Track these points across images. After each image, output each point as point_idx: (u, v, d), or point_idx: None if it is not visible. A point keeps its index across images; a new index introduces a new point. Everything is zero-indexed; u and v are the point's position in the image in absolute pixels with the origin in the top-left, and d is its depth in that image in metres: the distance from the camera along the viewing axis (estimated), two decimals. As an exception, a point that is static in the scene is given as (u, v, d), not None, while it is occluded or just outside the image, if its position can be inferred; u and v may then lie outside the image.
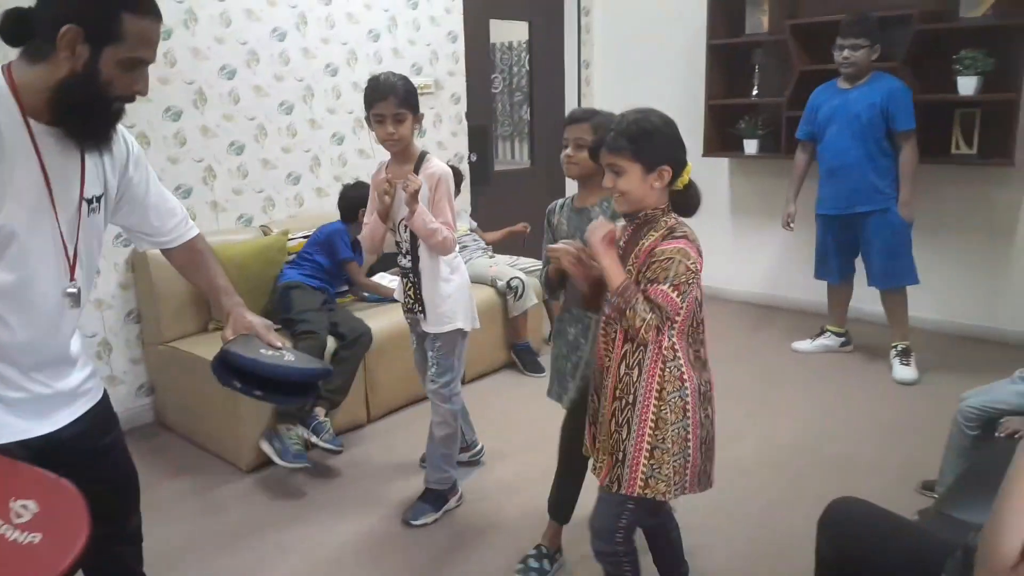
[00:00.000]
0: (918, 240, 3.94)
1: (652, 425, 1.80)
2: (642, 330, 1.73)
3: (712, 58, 4.90)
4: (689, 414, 1.83)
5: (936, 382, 3.85)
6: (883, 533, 1.66)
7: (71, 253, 1.53)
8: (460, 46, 4.87)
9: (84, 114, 1.42)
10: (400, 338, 3.50)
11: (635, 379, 1.82)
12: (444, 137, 4.87)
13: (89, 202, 1.54)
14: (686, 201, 1.87)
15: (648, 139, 1.77)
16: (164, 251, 1.83)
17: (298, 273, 3.53)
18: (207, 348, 3.17)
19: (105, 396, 1.74)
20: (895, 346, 4.05)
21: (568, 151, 2.24)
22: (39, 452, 1.50)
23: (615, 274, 1.77)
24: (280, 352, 1.71)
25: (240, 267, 3.39)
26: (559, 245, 1.95)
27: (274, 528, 2.75)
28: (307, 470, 3.11)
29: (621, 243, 1.88)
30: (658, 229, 1.80)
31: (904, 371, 3.95)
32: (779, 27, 4.65)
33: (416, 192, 2.47)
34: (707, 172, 5.25)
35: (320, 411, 3.19)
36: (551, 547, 2.46)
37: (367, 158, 4.41)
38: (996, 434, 2.35)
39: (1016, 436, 2.28)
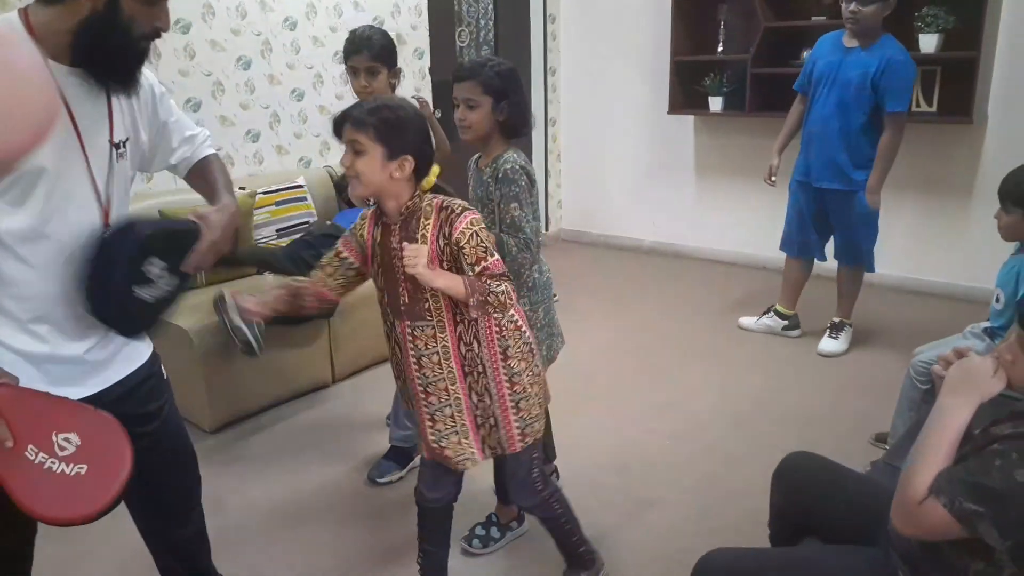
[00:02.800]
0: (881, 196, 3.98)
1: (508, 384, 1.85)
2: (507, 301, 1.76)
3: (677, 13, 4.85)
4: (534, 351, 1.90)
5: (893, 338, 3.94)
6: (832, 484, 1.73)
7: (104, 199, 1.49)
8: (423, -1, 4.77)
9: (108, 54, 1.38)
10: (366, 297, 3.48)
11: (477, 351, 1.82)
12: (407, 92, 4.78)
13: (117, 147, 1.50)
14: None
15: (397, 124, 1.69)
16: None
17: None
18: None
19: (154, 358, 1.70)
20: (833, 319, 3.90)
21: (458, 113, 2.09)
22: None
23: (456, 284, 1.72)
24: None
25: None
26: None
27: (238, 485, 2.76)
28: (269, 429, 3.12)
29: (395, 243, 1.78)
30: (428, 214, 1.74)
31: (830, 343, 3.82)
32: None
33: None
34: (672, 130, 5.27)
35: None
36: (504, 518, 2.45)
37: (327, 114, 4.32)
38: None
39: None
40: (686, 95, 5.05)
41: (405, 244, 1.74)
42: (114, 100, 1.49)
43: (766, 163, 3.96)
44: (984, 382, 1.38)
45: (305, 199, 3.85)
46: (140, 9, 1.36)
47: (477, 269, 1.73)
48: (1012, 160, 3.53)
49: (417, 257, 1.70)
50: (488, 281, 1.73)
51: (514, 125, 2.11)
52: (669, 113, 5.05)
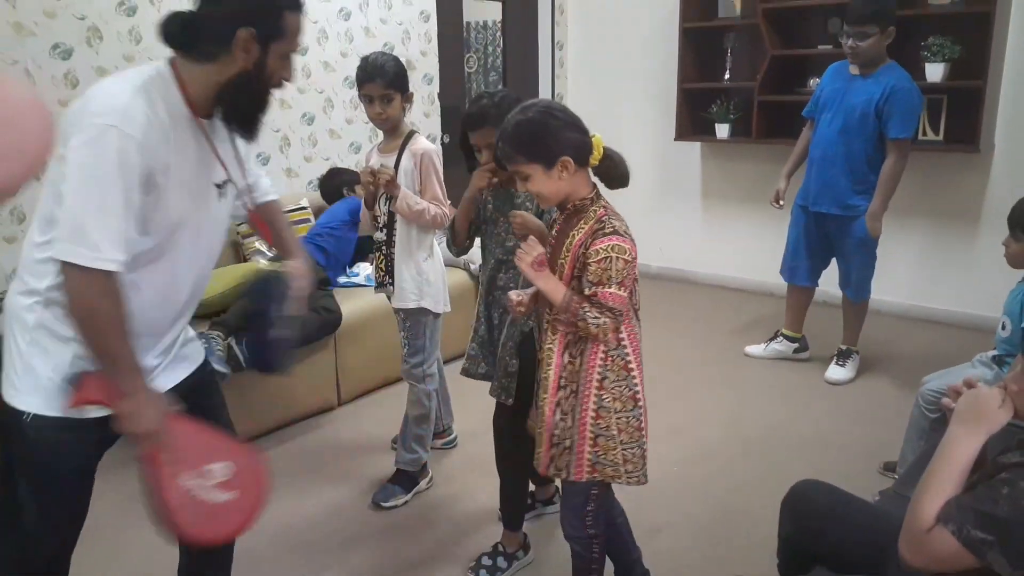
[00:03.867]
0: (887, 224, 3.96)
1: (593, 413, 1.81)
2: (600, 334, 1.74)
3: (685, 41, 4.90)
4: (641, 403, 1.83)
5: (901, 366, 3.93)
6: (841, 513, 1.71)
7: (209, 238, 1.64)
8: (432, 25, 4.83)
9: (252, 106, 1.53)
10: (371, 320, 3.50)
11: (577, 368, 1.81)
12: (416, 118, 4.84)
13: (220, 187, 1.62)
14: (608, 174, 1.82)
15: (533, 139, 1.72)
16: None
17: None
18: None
19: (206, 361, 1.83)
20: (840, 347, 3.87)
21: (483, 158, 2.16)
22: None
23: (554, 292, 1.75)
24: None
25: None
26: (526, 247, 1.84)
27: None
28: (276, 449, 3.11)
29: (553, 233, 1.86)
30: (588, 220, 1.76)
31: (836, 371, 3.79)
32: (752, 11, 4.67)
33: (390, 183, 2.50)
34: (679, 156, 5.29)
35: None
36: (510, 547, 2.41)
37: (337, 138, 4.37)
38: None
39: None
40: (693, 122, 5.08)
41: (529, 239, 1.81)
42: (220, 145, 1.61)
43: (772, 189, 3.98)
44: (992, 413, 1.37)
45: (308, 220, 3.90)
46: (279, 64, 1.50)
47: (591, 291, 1.72)
48: (1018, 188, 3.56)
49: (528, 253, 1.77)
50: (588, 307, 1.72)
51: None
52: (676, 139, 5.08)
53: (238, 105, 1.51)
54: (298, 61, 4.05)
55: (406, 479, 2.80)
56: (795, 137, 4.61)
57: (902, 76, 3.48)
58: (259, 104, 1.55)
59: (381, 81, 2.54)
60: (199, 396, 1.75)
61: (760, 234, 5.06)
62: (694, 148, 5.28)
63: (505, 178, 2.13)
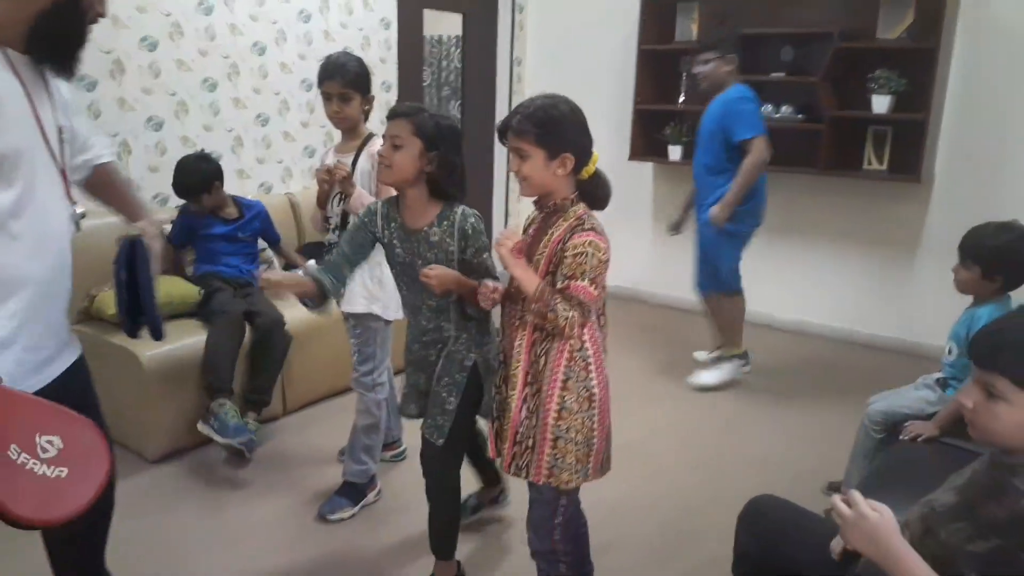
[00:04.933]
0: (832, 250, 4.08)
1: (555, 415, 1.82)
2: (566, 328, 1.75)
3: (642, 63, 4.97)
4: (596, 404, 1.84)
5: (845, 389, 4.01)
6: (798, 527, 1.73)
7: (64, 179, 1.55)
8: (393, 33, 4.79)
9: (63, 42, 1.46)
10: (318, 328, 3.42)
11: (542, 367, 1.83)
12: (373, 126, 4.76)
13: (61, 131, 1.56)
14: (594, 192, 1.87)
15: (553, 125, 1.77)
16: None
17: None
18: (100, 328, 3.07)
19: (82, 355, 1.73)
20: (712, 352, 4.10)
21: (381, 149, 2.04)
22: None
23: (528, 281, 1.77)
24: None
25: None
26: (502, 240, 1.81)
27: (182, 520, 2.64)
28: (216, 462, 3.01)
29: (530, 231, 1.89)
30: (567, 219, 1.80)
31: (704, 375, 3.97)
32: (708, 35, 4.74)
33: (346, 178, 2.43)
34: (632, 176, 5.34)
35: (251, 416, 3.13)
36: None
37: (291, 140, 4.29)
38: (900, 437, 2.46)
39: (919, 439, 2.39)
40: (647, 143, 5.14)
41: (509, 227, 1.78)
42: (53, 88, 1.55)
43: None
44: (878, 536, 1.27)
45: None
46: (92, 0, 1.45)
47: (563, 284, 1.74)
48: (956, 217, 3.68)
49: (508, 239, 1.78)
50: (559, 299, 1.73)
51: (439, 181, 2.02)
52: (630, 159, 5.13)
53: (52, 39, 1.44)
54: (256, 61, 4.00)
55: (353, 491, 2.73)
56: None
57: (737, 88, 3.75)
58: (75, 39, 1.48)
59: (341, 80, 2.51)
60: (78, 390, 1.69)
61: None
62: (647, 168, 5.34)
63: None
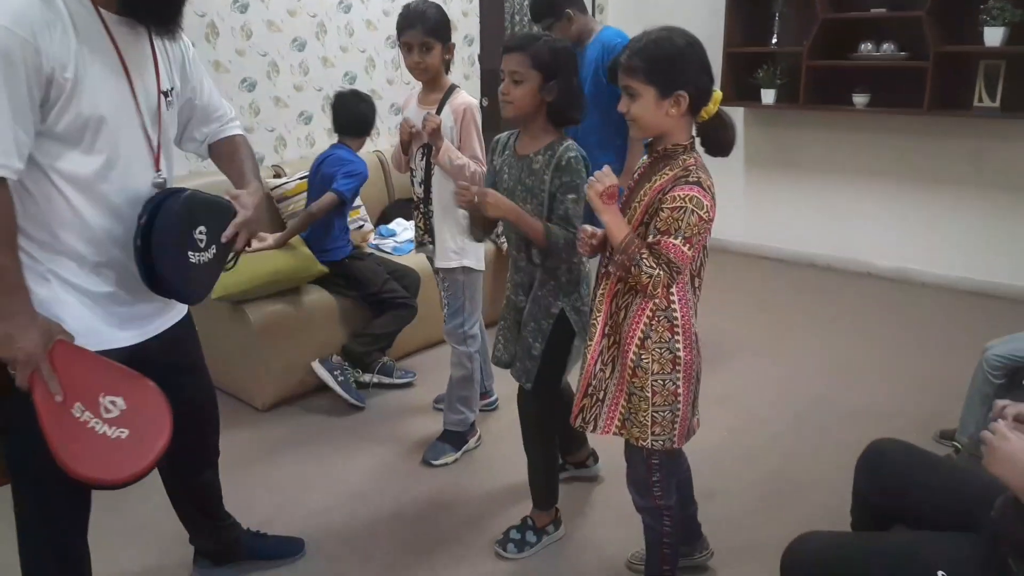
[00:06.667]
0: (937, 194, 3.84)
1: (631, 371, 1.74)
2: (649, 286, 1.64)
3: (731, 4, 4.78)
4: (680, 367, 1.73)
5: (953, 337, 3.84)
6: (922, 470, 1.65)
7: (155, 144, 1.56)
8: (474, -16, 4.74)
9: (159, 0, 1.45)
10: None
11: (621, 320, 1.74)
12: (456, 80, 4.74)
13: (165, 95, 1.57)
14: (716, 136, 1.72)
15: (666, 61, 1.62)
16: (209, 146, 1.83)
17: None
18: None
19: (189, 315, 1.77)
20: None
21: (502, 87, 2.00)
22: (125, 362, 1.54)
23: (617, 229, 1.66)
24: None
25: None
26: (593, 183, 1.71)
27: (292, 466, 2.75)
28: (321, 412, 3.11)
29: (635, 176, 1.78)
30: (674, 168, 1.66)
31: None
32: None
33: (435, 130, 2.42)
34: (722, 122, 5.17)
35: (377, 355, 3.28)
36: (540, 522, 2.31)
37: (378, 98, 4.31)
38: (1024, 382, 2.35)
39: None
40: (738, 87, 4.97)
41: (605, 168, 1.69)
42: (158, 49, 1.55)
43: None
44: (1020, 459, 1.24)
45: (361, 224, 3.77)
46: None
47: (653, 238, 1.63)
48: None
49: (600, 181, 1.66)
50: (647, 254, 1.62)
51: (562, 109, 2.00)
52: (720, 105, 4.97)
53: None
54: (342, 18, 4.02)
55: (455, 438, 2.78)
56: (845, 104, 4.52)
57: (609, 32, 3.17)
58: None
59: (421, 28, 2.45)
60: (182, 351, 1.73)
61: (803, 203, 4.98)
62: (737, 114, 5.16)
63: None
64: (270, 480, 2.66)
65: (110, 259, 1.52)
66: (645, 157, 1.80)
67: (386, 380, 3.30)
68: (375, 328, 3.20)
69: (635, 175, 1.80)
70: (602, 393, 1.80)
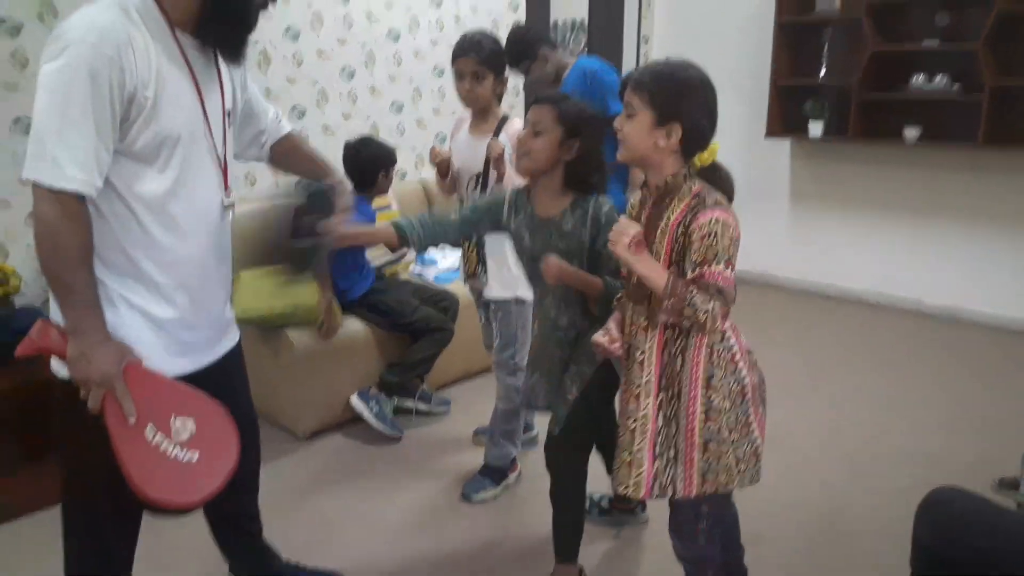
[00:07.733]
0: (991, 232, 3.74)
1: (702, 417, 1.64)
2: (708, 322, 1.55)
3: (780, 36, 4.74)
4: (748, 397, 1.66)
5: (1009, 379, 3.71)
6: (988, 521, 1.58)
7: (221, 162, 1.58)
8: (522, 15, 4.78)
9: (231, 24, 1.47)
10: (468, 310, 3.43)
11: (678, 368, 1.65)
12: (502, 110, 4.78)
13: (229, 115, 1.59)
14: (714, 185, 1.64)
15: (673, 89, 1.57)
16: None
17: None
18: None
19: (239, 343, 1.79)
20: None
21: (521, 135, 1.98)
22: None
23: (656, 277, 1.57)
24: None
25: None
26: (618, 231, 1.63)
27: (332, 497, 2.72)
28: (361, 441, 3.09)
29: (642, 219, 1.68)
30: (683, 198, 1.60)
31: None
32: (853, 5, 4.47)
33: (499, 157, 2.42)
34: (767, 154, 5.13)
35: (417, 382, 3.27)
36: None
37: (423, 128, 4.35)
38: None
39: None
40: (784, 119, 4.92)
41: (622, 219, 1.64)
42: (223, 70, 1.57)
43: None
44: None
45: (390, 207, 3.82)
46: None
47: (695, 272, 1.55)
48: None
49: (622, 234, 1.59)
50: (696, 291, 1.54)
51: (580, 172, 1.95)
52: (767, 137, 4.92)
53: (221, 21, 1.45)
54: (390, 48, 4.07)
55: (496, 472, 2.74)
56: (895, 137, 4.44)
57: (585, 59, 3.29)
58: (244, 23, 1.48)
59: (476, 56, 2.46)
60: (234, 373, 1.75)
61: (850, 238, 4.88)
62: (783, 147, 5.11)
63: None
64: (309, 511, 2.64)
65: (179, 281, 1.53)
66: (640, 190, 1.74)
67: (422, 407, 3.28)
68: (411, 355, 3.18)
69: (641, 218, 1.71)
70: (672, 452, 1.67)
